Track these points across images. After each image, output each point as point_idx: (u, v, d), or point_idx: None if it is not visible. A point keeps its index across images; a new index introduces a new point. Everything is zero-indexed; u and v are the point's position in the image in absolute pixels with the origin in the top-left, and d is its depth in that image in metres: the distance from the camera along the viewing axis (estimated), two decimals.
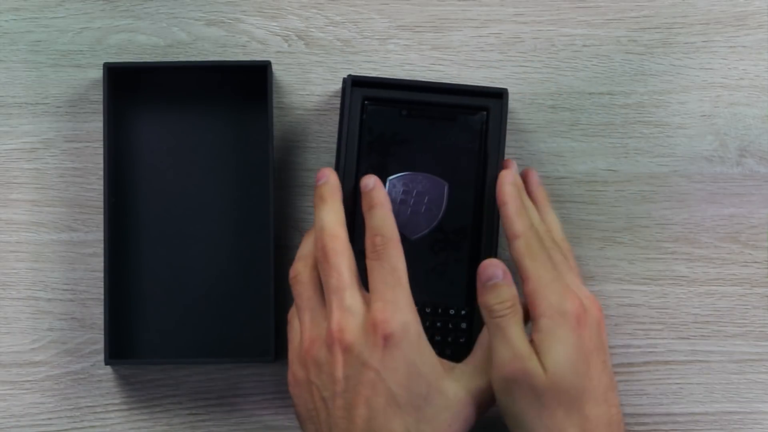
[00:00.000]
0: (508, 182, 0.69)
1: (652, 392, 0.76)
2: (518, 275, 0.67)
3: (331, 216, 0.67)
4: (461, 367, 0.66)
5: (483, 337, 0.67)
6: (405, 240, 0.67)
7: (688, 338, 0.76)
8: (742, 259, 0.77)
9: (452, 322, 0.70)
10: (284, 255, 0.75)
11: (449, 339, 0.70)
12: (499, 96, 0.72)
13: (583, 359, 0.64)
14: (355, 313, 0.64)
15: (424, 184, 0.70)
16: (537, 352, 0.64)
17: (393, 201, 0.69)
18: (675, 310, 0.76)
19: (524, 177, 0.73)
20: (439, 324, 0.70)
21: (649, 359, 0.76)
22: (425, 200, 0.70)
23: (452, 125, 0.71)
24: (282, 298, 0.74)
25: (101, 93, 0.74)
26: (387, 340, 0.63)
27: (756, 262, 0.77)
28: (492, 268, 0.66)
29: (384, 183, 0.69)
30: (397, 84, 0.72)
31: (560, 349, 0.64)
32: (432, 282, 0.70)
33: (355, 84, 0.71)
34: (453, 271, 0.70)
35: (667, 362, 0.76)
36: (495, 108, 0.72)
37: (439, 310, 0.70)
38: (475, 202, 0.71)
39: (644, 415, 0.76)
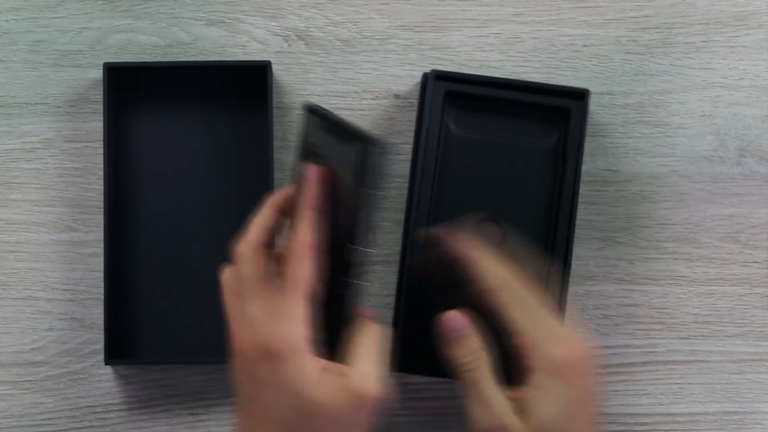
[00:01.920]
0: (461, 237, 0.65)
1: (652, 392, 0.76)
2: (498, 326, 0.62)
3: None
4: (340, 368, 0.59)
5: (360, 342, 0.60)
6: None
7: (688, 338, 0.76)
8: (742, 259, 0.77)
9: None
10: None
11: None
12: (581, 97, 0.72)
13: (573, 414, 0.60)
14: None
15: None
16: (524, 408, 0.60)
17: None
18: (675, 310, 0.76)
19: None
20: None
21: (649, 359, 0.76)
22: None
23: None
24: None
25: (101, 93, 0.74)
26: None
27: (756, 262, 0.77)
28: (455, 320, 0.63)
29: None
30: (479, 80, 0.73)
31: (551, 406, 0.60)
32: None
33: (438, 78, 0.72)
34: None
35: (667, 362, 0.76)
36: (576, 109, 0.72)
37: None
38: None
39: (644, 415, 0.76)
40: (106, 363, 0.73)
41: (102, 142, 0.74)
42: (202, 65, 0.75)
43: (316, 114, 0.61)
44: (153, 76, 0.76)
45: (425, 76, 0.74)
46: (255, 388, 0.59)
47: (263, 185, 0.73)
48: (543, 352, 0.60)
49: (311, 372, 0.57)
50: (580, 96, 0.73)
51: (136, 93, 0.76)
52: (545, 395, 0.60)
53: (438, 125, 0.72)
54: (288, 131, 0.76)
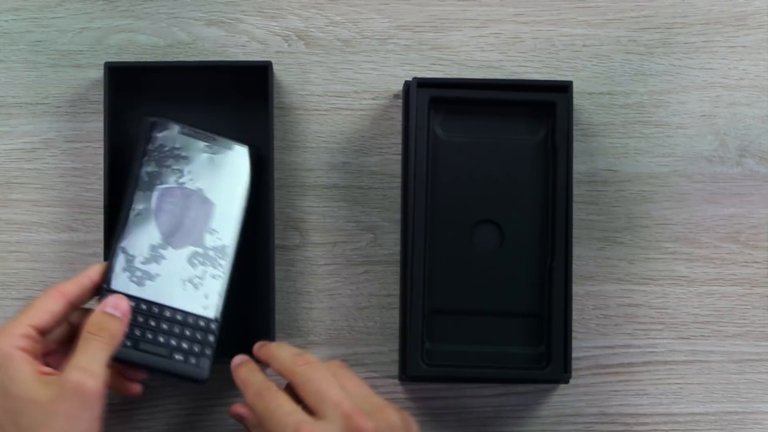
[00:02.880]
0: (259, 344, 0.70)
1: (652, 392, 0.76)
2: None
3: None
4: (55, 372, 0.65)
5: (80, 340, 0.66)
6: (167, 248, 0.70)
7: (688, 338, 0.76)
8: (742, 259, 0.77)
9: (199, 331, 0.70)
10: (284, 255, 0.75)
11: (195, 348, 0.70)
12: (564, 90, 0.73)
13: None
14: None
15: (193, 200, 0.71)
16: None
17: (160, 209, 0.70)
18: (675, 310, 0.76)
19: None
20: (187, 333, 0.69)
21: (649, 359, 0.76)
22: (191, 215, 0.71)
23: (226, 152, 0.72)
24: (281, 298, 0.74)
25: (101, 93, 0.74)
26: None
27: (756, 262, 0.77)
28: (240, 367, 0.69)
29: (153, 191, 0.70)
30: (461, 83, 0.74)
31: None
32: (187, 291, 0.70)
33: (420, 86, 0.72)
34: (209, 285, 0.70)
35: (667, 362, 0.76)
36: (561, 102, 0.72)
37: (189, 320, 0.69)
38: (242, 223, 0.72)
39: (644, 415, 0.76)
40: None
41: (102, 142, 0.74)
42: (202, 65, 0.75)
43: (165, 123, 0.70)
44: (153, 76, 0.76)
45: (407, 84, 0.74)
46: None
47: (263, 185, 0.73)
48: (326, 419, 0.63)
49: (24, 374, 0.63)
50: (563, 89, 0.73)
51: (136, 93, 0.76)
52: None
53: (425, 132, 0.72)
54: (288, 131, 0.76)
